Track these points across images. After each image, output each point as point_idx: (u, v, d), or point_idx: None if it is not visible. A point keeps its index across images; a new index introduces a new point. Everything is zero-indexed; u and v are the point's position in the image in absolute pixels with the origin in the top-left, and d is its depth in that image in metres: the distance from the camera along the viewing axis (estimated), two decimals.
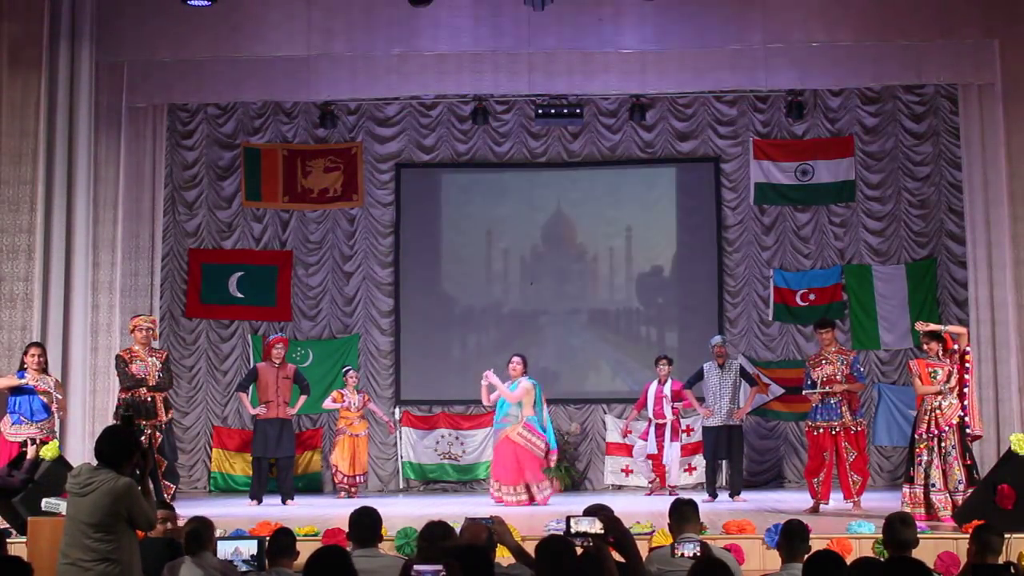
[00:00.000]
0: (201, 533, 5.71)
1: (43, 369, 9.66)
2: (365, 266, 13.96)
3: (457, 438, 13.49)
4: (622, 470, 13.31)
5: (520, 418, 11.32)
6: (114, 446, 5.31)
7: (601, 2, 11.10)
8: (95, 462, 5.35)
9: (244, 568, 5.54)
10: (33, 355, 9.62)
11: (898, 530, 5.37)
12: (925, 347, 9.38)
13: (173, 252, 13.79)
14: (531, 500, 11.18)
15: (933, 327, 9.57)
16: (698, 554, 4.96)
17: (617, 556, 4.95)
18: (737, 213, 13.73)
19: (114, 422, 9.81)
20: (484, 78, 12.03)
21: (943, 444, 9.04)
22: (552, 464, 11.71)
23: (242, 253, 13.96)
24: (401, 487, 13.54)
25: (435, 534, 5.00)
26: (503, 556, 5.37)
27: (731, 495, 11.50)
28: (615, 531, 4.95)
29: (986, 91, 11.42)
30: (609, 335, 14.07)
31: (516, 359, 11.49)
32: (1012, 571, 4.83)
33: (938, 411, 9.08)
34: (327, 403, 12.60)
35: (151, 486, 5.58)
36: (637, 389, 12.59)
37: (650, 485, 12.37)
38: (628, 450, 13.00)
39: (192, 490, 13.28)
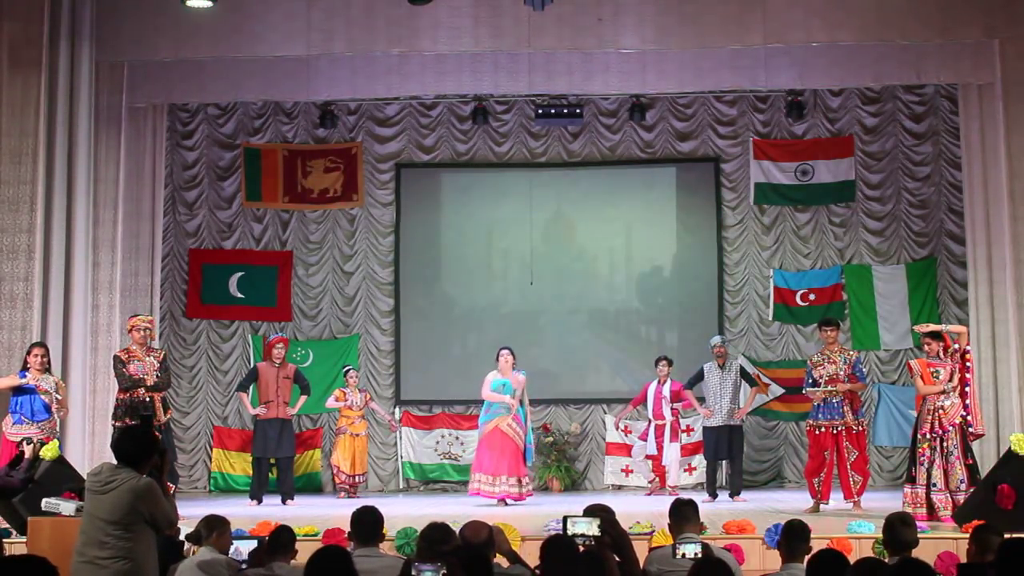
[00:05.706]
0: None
1: (46, 369, 9.65)
2: (365, 266, 13.96)
3: (457, 438, 13.48)
4: (622, 470, 13.31)
5: (511, 409, 11.26)
6: (136, 445, 5.32)
7: (601, 2, 11.07)
8: (113, 461, 5.36)
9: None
10: (36, 355, 9.62)
11: (898, 530, 5.37)
12: (925, 347, 9.40)
13: (173, 252, 13.80)
14: (519, 494, 11.05)
15: (932, 327, 9.59)
16: (699, 555, 4.97)
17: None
18: (737, 213, 13.73)
19: (113, 423, 9.83)
20: (484, 78, 12.04)
21: (945, 444, 9.05)
22: (528, 462, 11.60)
23: (242, 253, 13.96)
24: (401, 487, 13.54)
25: (435, 537, 5.00)
26: (499, 559, 5.38)
27: (731, 495, 11.51)
28: (612, 533, 4.96)
29: (986, 91, 11.42)
30: (609, 335, 14.05)
31: (505, 352, 11.29)
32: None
33: (941, 411, 9.09)
34: (330, 402, 12.60)
35: (167, 485, 5.60)
36: (637, 389, 12.56)
37: (650, 485, 12.37)
38: (628, 450, 13.00)
39: (192, 490, 13.27)
